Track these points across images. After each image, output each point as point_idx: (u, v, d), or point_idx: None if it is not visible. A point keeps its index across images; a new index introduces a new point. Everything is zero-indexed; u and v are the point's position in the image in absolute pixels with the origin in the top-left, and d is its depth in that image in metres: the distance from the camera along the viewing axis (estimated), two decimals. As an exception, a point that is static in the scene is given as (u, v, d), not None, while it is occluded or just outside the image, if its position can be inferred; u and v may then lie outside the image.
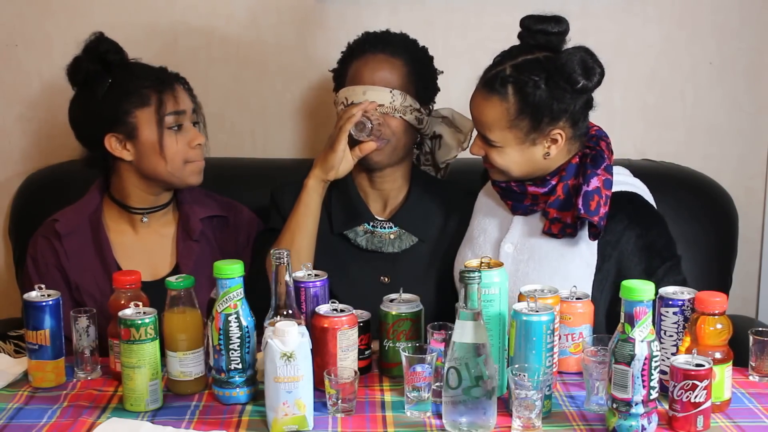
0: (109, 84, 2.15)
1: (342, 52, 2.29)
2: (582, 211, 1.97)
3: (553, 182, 2.06)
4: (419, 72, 2.24)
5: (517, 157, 2.03)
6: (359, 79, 2.20)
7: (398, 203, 2.29)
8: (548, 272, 2.02)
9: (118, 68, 2.17)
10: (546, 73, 1.97)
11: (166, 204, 2.26)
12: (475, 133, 2.28)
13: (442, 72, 2.29)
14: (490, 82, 2.02)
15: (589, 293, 1.98)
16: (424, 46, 2.29)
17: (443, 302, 2.16)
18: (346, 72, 2.25)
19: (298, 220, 2.17)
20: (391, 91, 2.17)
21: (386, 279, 2.22)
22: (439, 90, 2.30)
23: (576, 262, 2.04)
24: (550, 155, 2.03)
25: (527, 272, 2.04)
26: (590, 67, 1.96)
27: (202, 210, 2.28)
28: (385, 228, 2.26)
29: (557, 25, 2.01)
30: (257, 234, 2.33)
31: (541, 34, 2.01)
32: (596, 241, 2.02)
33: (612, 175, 2.04)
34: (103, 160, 2.21)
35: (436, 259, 2.25)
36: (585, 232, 2.03)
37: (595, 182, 2.00)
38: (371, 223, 2.26)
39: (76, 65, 2.19)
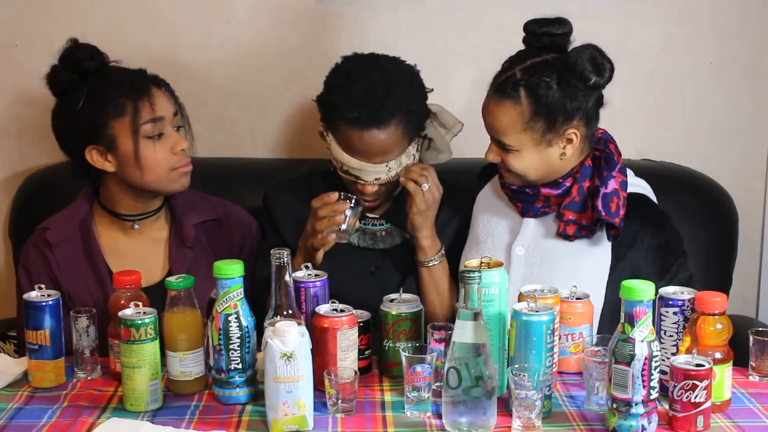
0: (86, 94, 2.10)
1: (327, 89, 2.17)
2: (603, 213, 1.99)
3: (567, 184, 2.06)
4: (413, 120, 2.16)
5: (534, 159, 2.03)
6: (351, 149, 2.12)
7: (391, 202, 2.29)
8: (562, 274, 2.01)
9: (94, 76, 2.12)
10: (557, 73, 1.98)
11: (158, 209, 2.23)
12: (457, 129, 2.27)
13: (432, 90, 2.23)
14: (502, 88, 2.01)
15: (603, 294, 2.00)
16: (412, 74, 2.19)
17: None
18: (335, 128, 2.15)
19: None
20: (387, 165, 2.13)
21: (375, 269, 2.23)
22: (430, 112, 2.24)
23: (590, 263, 2.04)
24: (566, 155, 2.04)
25: (541, 274, 2.04)
26: (600, 63, 1.97)
27: (195, 215, 2.25)
28: (376, 225, 2.26)
29: (561, 26, 2.02)
30: (257, 252, 2.30)
31: (547, 36, 2.02)
32: (610, 243, 2.03)
33: (626, 177, 2.07)
34: (88, 171, 2.18)
35: None
36: (599, 234, 2.04)
37: (612, 184, 2.02)
38: (363, 221, 2.26)
39: (54, 75, 2.14)
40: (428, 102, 2.29)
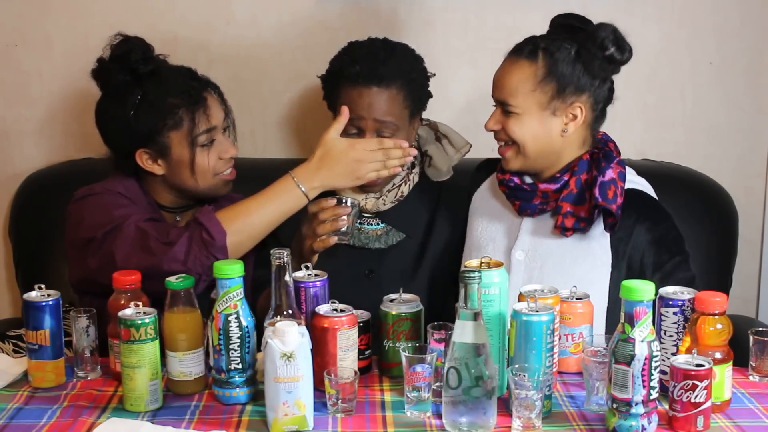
0: (140, 99, 2.08)
1: (330, 63, 2.24)
2: (600, 200, 1.98)
3: (566, 178, 2.06)
4: (414, 90, 2.19)
5: (535, 127, 2.03)
6: (353, 112, 2.14)
7: (388, 204, 2.28)
8: (563, 276, 2.00)
9: (148, 78, 2.10)
10: (577, 44, 2.02)
11: (196, 202, 2.24)
12: (466, 150, 2.28)
13: (434, 75, 2.27)
14: (520, 48, 2.05)
15: (606, 293, 2.00)
16: (415, 53, 2.24)
17: (434, 297, 2.17)
18: (337, 94, 2.19)
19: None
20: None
21: (369, 272, 2.23)
22: (432, 96, 2.28)
23: (590, 263, 2.04)
24: (567, 132, 2.04)
25: (542, 278, 2.03)
26: (621, 39, 2.02)
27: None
28: (372, 224, 2.26)
29: (584, 23, 2.07)
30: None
31: (569, 28, 2.06)
32: (609, 240, 2.03)
33: (625, 169, 2.07)
34: (134, 169, 2.17)
35: (425, 254, 2.25)
36: (596, 231, 2.03)
37: (610, 173, 2.02)
38: (359, 221, 2.25)
39: (105, 72, 2.12)
40: (433, 118, 2.29)
